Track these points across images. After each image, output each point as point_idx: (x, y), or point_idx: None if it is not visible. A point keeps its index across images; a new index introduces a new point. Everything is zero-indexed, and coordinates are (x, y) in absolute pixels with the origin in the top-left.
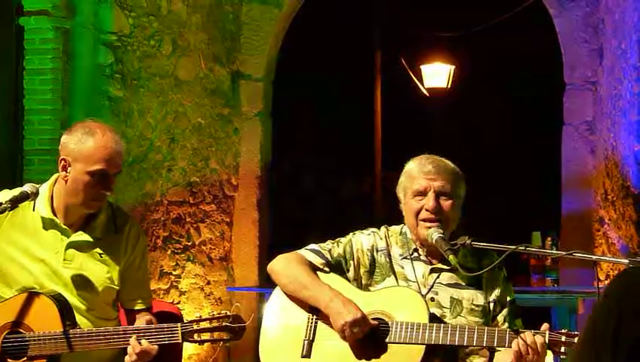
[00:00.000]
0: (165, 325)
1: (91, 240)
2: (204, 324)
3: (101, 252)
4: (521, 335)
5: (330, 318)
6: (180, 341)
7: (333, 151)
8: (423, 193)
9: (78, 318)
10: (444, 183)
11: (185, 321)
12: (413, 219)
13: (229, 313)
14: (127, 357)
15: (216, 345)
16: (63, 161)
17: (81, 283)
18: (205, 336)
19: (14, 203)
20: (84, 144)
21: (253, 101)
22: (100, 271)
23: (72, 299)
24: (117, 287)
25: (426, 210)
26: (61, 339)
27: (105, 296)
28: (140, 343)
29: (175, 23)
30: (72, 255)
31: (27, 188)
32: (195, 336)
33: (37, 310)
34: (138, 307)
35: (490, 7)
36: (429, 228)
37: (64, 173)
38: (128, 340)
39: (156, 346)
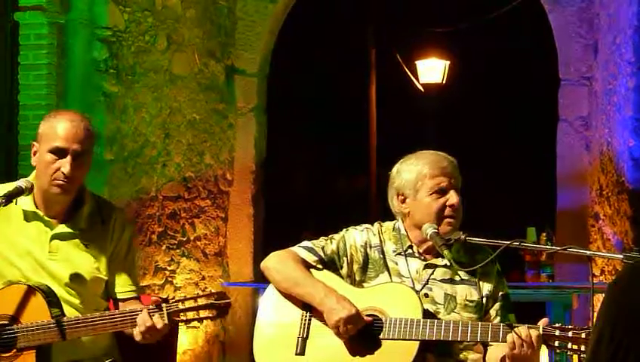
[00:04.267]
0: (151, 306)
1: (76, 231)
2: (189, 303)
3: (87, 242)
4: (516, 329)
5: (324, 315)
6: (167, 321)
7: (328, 147)
8: (443, 191)
9: (68, 310)
10: (458, 179)
11: (170, 302)
12: (434, 216)
13: (213, 290)
14: (135, 331)
15: (211, 339)
16: (33, 147)
17: (68, 274)
18: (192, 315)
19: (9, 198)
20: (46, 126)
21: (247, 96)
22: (87, 261)
23: (60, 290)
24: (105, 277)
25: (450, 207)
26: (50, 328)
27: (93, 287)
28: (151, 319)
29: (170, 18)
30: (57, 246)
31: (22, 182)
32: (182, 316)
33: (23, 301)
34: (126, 296)
35: (485, 2)
36: (450, 224)
37: (35, 158)
38: (117, 324)
39: (166, 322)
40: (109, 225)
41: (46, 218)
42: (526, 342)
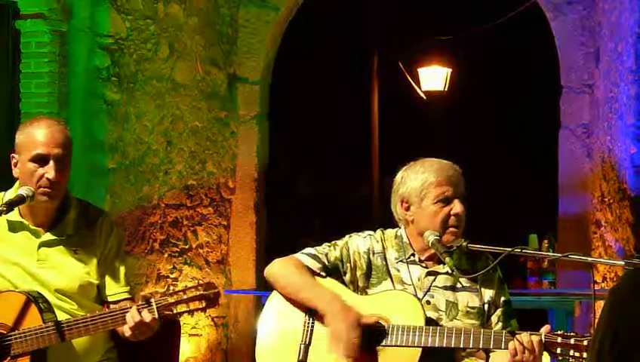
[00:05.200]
0: (140, 302)
1: (63, 237)
2: (178, 296)
3: (75, 248)
4: (517, 336)
5: (326, 319)
6: (156, 315)
7: (331, 155)
8: (448, 199)
9: (61, 316)
10: (463, 188)
11: (159, 296)
12: (439, 225)
13: (201, 281)
14: (125, 327)
15: (213, 347)
16: (12, 159)
17: (58, 281)
18: (182, 308)
19: (10, 206)
20: (23, 136)
21: (249, 104)
22: (76, 267)
23: (51, 297)
24: (96, 281)
25: (454, 216)
26: (42, 333)
27: (85, 292)
28: (140, 314)
29: (172, 26)
30: (46, 254)
31: (23, 191)
32: (173, 309)
33: (15, 308)
34: (118, 298)
35: (487, 10)
36: (454, 234)
37: (16, 170)
38: (107, 323)
39: (155, 317)
40: (95, 228)
41: (32, 227)
42: (527, 348)
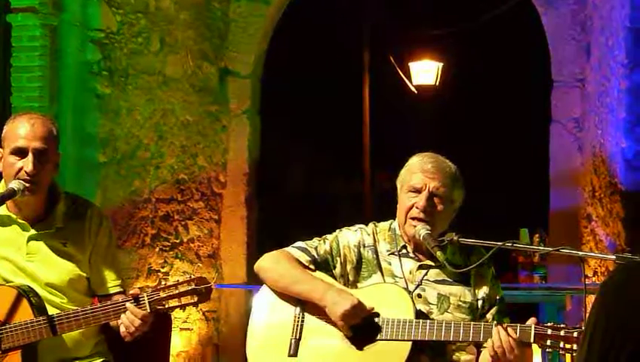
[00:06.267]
0: (132, 297)
1: (52, 230)
2: (170, 291)
3: (64, 241)
4: (502, 325)
5: (327, 309)
6: (148, 310)
7: (322, 149)
8: (417, 190)
9: (51, 310)
10: (440, 185)
11: (150, 291)
12: (403, 215)
13: (192, 276)
14: (122, 328)
15: (204, 341)
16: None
17: (48, 274)
18: (174, 303)
19: (1, 200)
20: (6, 130)
21: (241, 98)
22: (66, 260)
23: (41, 291)
24: (85, 274)
25: (416, 208)
26: (33, 327)
27: (75, 285)
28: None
29: (163, 20)
30: (35, 248)
31: (14, 184)
32: (165, 304)
33: (5, 303)
34: (112, 291)
35: (479, 4)
36: (415, 226)
37: (1, 164)
38: (99, 317)
39: (147, 312)
40: (85, 221)
41: (20, 220)
42: (512, 338)
